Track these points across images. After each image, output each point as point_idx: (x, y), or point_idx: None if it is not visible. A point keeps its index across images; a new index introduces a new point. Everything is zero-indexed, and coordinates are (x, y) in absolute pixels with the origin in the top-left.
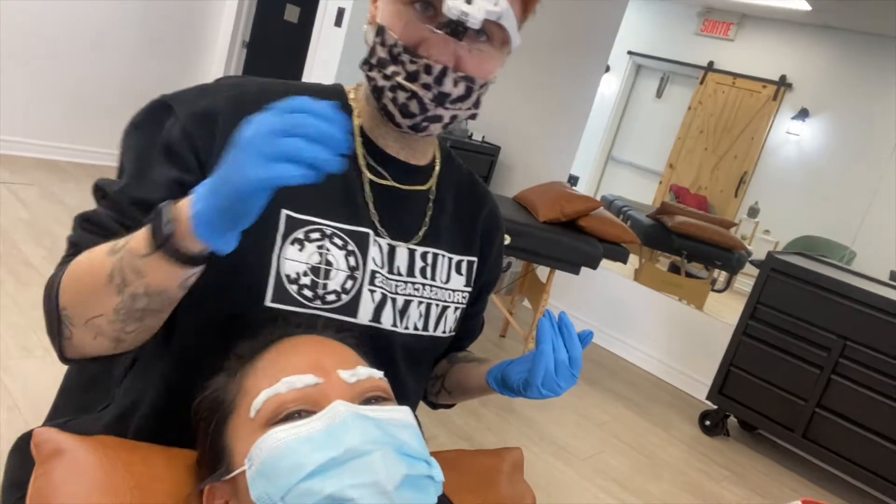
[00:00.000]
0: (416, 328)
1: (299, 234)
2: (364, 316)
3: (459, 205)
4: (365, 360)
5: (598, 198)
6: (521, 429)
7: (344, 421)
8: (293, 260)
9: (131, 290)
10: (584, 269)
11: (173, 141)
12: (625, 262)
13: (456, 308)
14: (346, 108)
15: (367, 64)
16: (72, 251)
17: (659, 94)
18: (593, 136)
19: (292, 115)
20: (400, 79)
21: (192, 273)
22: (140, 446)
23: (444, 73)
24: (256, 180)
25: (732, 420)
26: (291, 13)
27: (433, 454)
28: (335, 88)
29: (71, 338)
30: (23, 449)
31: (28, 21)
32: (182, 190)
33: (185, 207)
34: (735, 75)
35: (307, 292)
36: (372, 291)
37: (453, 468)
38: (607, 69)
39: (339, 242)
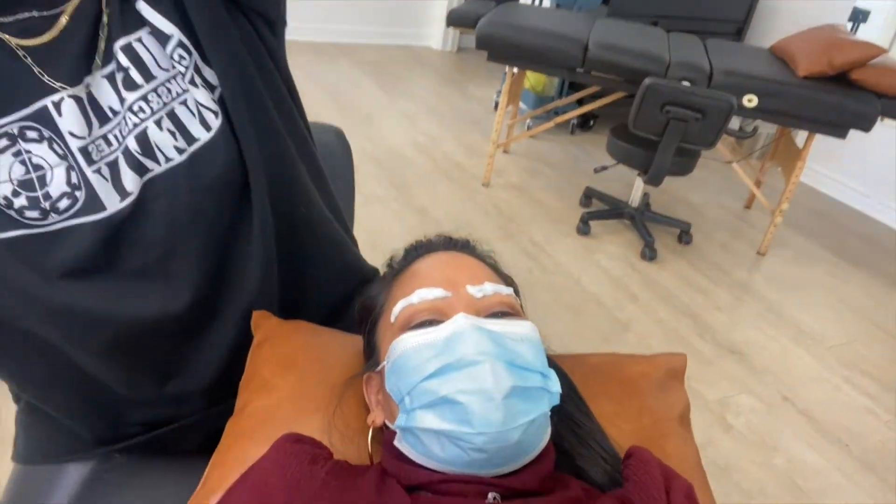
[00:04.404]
0: (180, 151)
1: None
2: (111, 203)
3: None
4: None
5: None
6: (758, 310)
7: (462, 332)
8: None
9: None
10: (854, 132)
11: None
12: None
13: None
14: None
15: None
16: None
17: None
18: None
19: None
20: None
21: None
22: (325, 331)
23: None
24: None
25: None
26: None
27: (582, 357)
28: None
29: None
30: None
31: None
32: None
33: None
34: None
35: (32, 213)
36: (98, 171)
37: (598, 374)
38: None
39: (34, 135)
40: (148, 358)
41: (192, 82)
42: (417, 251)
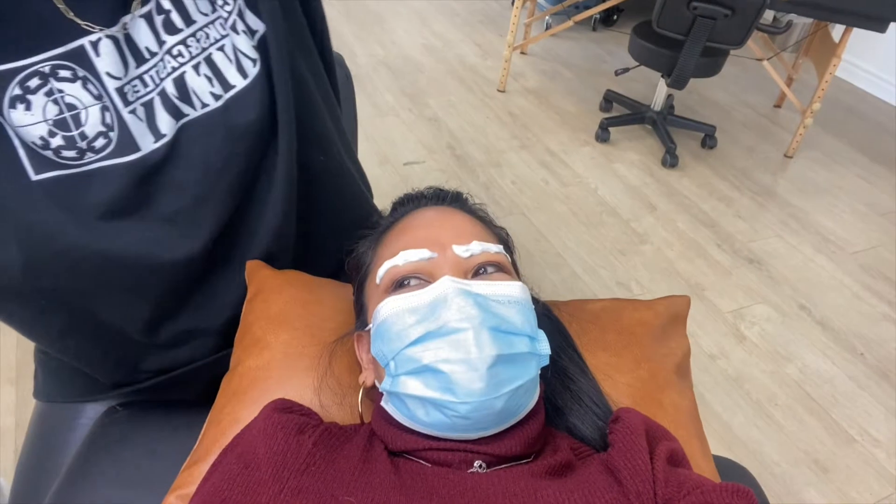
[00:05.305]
0: (216, 97)
1: (14, 89)
2: (146, 144)
3: None
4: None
5: None
6: (780, 216)
7: (446, 296)
8: (27, 125)
9: None
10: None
11: None
12: None
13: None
14: None
15: None
16: None
17: None
18: None
19: None
20: None
21: None
22: (319, 284)
23: None
24: None
25: None
26: None
27: (582, 303)
28: None
29: None
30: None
31: None
32: None
33: None
34: None
35: (69, 153)
36: (133, 112)
37: (597, 322)
38: None
39: (68, 74)
40: (164, 299)
41: (234, 28)
42: (405, 206)
